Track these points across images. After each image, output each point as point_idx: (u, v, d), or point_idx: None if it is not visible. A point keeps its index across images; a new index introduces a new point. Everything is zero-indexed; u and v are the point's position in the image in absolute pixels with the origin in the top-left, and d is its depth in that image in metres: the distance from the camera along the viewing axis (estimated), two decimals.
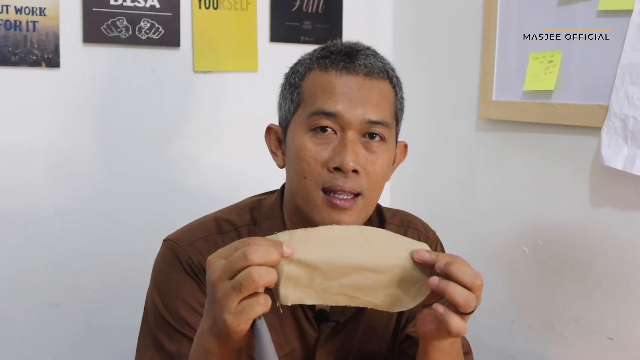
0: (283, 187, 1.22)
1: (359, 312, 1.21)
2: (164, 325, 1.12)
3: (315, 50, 1.18)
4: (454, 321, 0.92)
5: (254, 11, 1.95)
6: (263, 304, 0.84)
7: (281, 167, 1.18)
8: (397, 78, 1.17)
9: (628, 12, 1.48)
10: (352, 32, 2.12)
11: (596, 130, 1.55)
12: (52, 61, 1.67)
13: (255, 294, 0.84)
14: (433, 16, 2.08)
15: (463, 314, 0.92)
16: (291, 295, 0.90)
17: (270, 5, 1.98)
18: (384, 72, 1.13)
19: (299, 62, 1.19)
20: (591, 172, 1.60)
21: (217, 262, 0.87)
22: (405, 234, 1.27)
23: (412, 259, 0.94)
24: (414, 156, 2.16)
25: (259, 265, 0.82)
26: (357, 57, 1.11)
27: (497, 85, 1.82)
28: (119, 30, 1.74)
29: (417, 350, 1.22)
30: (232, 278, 0.84)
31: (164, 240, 1.19)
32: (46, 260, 1.73)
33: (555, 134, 1.68)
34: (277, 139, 1.20)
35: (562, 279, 1.69)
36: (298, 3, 2.02)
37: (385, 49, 2.21)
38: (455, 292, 0.90)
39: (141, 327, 1.17)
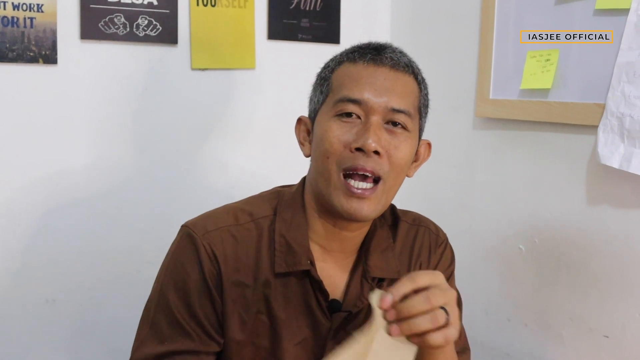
0: (304, 179, 1.26)
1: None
2: (166, 310, 1.16)
3: (346, 48, 1.24)
4: (434, 338, 0.93)
5: (251, 8, 1.94)
6: None
7: (307, 156, 1.23)
8: (423, 78, 1.25)
9: (625, 11, 1.48)
10: (349, 29, 2.12)
11: (593, 128, 1.55)
12: (50, 58, 1.67)
13: None
14: (431, 14, 2.08)
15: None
16: None
17: (268, 2, 1.98)
18: (409, 67, 1.20)
19: (331, 59, 1.24)
20: (588, 170, 1.61)
21: None
22: (416, 233, 1.33)
23: (381, 309, 0.94)
24: None
25: None
26: (384, 52, 1.18)
27: (494, 84, 1.82)
28: (116, 27, 1.74)
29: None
30: None
31: (182, 226, 1.21)
32: (43, 257, 1.73)
33: (552, 132, 1.69)
34: (306, 130, 1.24)
35: (558, 277, 1.69)
36: (296, 0, 2.02)
37: None
38: (419, 325, 0.92)
39: (145, 306, 1.20)
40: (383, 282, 1.25)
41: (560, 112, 1.63)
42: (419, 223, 1.36)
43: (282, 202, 1.24)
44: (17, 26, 1.62)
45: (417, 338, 0.93)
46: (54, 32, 1.66)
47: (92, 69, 1.74)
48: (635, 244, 1.52)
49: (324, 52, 1.24)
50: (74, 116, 1.74)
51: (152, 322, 1.16)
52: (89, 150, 1.77)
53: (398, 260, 1.28)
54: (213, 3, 1.87)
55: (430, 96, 1.94)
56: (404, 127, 1.16)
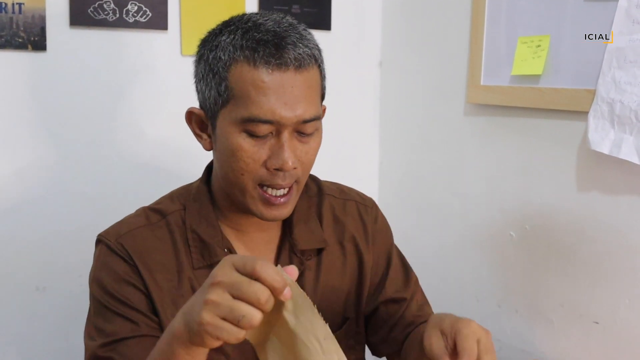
0: (208, 168, 1.26)
1: (318, 268, 1.25)
2: (101, 310, 1.15)
3: (236, 35, 1.09)
4: None
5: None
6: (236, 337, 0.83)
7: (208, 149, 1.19)
8: (319, 51, 1.15)
9: None
10: (340, 16, 2.11)
11: (583, 114, 1.55)
12: (39, 44, 1.66)
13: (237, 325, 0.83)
14: (422, 0, 2.07)
15: None
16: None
17: None
18: (312, 58, 1.10)
19: (220, 47, 1.10)
20: (578, 156, 1.61)
21: (229, 269, 0.85)
22: (344, 206, 1.33)
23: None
24: (402, 140, 2.17)
25: (265, 301, 0.82)
26: (286, 48, 1.06)
27: (485, 70, 1.82)
28: (106, 13, 1.73)
29: (407, 334, 1.28)
30: (233, 296, 0.83)
31: (97, 237, 1.22)
32: (32, 244, 1.73)
33: (543, 118, 1.69)
34: (200, 121, 1.18)
35: (548, 263, 1.69)
36: None
37: (374, 33, 2.21)
38: None
39: (86, 323, 1.20)
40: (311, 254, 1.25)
41: (551, 98, 1.63)
42: (346, 197, 1.35)
43: (190, 195, 1.23)
44: (5, 12, 1.61)
45: None
46: (42, 18, 1.65)
47: (81, 55, 1.73)
48: (625, 229, 1.52)
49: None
50: (63, 103, 1.73)
51: (95, 327, 1.15)
52: (78, 136, 1.76)
53: (325, 231, 1.27)
54: None
55: (421, 82, 1.93)
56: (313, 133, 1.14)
